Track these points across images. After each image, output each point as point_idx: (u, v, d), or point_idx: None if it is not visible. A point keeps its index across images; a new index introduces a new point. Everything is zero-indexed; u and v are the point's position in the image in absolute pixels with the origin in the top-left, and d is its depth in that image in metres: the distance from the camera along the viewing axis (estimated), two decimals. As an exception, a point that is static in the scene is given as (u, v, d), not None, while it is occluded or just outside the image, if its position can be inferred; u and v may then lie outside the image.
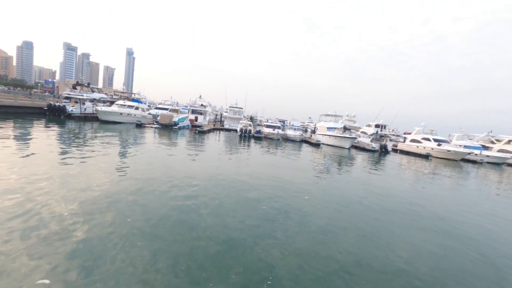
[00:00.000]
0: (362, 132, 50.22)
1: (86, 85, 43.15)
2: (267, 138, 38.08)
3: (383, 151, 37.28)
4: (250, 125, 40.29)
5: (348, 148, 36.07)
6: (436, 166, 28.07)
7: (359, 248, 6.76)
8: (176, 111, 43.01)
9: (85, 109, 36.10)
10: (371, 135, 43.35)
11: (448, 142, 40.20)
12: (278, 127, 41.00)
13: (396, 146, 45.06)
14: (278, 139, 38.22)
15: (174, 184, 10.25)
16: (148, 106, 51.75)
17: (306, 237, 7.04)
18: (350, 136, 36.57)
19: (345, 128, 39.74)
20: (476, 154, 38.77)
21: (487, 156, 39.83)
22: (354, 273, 5.57)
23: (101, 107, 34.09)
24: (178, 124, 36.74)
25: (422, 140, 40.54)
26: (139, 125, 33.59)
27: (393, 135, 70.72)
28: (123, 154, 15.08)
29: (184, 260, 5.38)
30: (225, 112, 60.68)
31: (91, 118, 34.46)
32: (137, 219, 6.88)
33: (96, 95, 41.09)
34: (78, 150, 14.60)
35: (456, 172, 25.62)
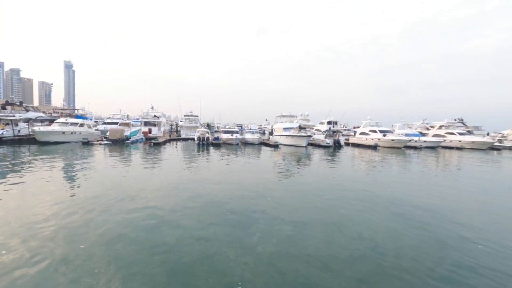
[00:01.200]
0: (316, 129, 52.61)
1: (18, 104, 38.63)
2: (226, 144, 37.88)
3: (337, 145, 39.50)
4: (207, 132, 39.73)
5: (305, 146, 37.49)
6: (384, 155, 30.58)
7: (325, 240, 7.02)
8: (127, 124, 40.67)
9: (19, 131, 32.23)
10: (325, 131, 45.66)
11: (392, 132, 44.09)
12: (236, 132, 41.07)
13: (348, 140, 48.11)
14: (237, 144, 38.26)
15: (131, 201, 9.63)
16: (95, 121, 48.08)
17: (274, 238, 7.11)
18: (306, 135, 38.08)
19: (300, 127, 41.28)
20: (415, 141, 43.07)
21: (425, 141, 44.57)
22: (327, 266, 5.76)
23: (39, 127, 30.77)
24: (130, 138, 34.74)
25: (369, 133, 43.88)
26: (86, 143, 31.02)
27: (344, 130, 75.37)
28: (69, 177, 13.77)
29: (148, 279, 5.06)
30: (181, 121, 59.06)
31: (28, 140, 30.86)
32: (92, 244, 6.31)
33: (31, 114, 36.96)
34: (15, 178, 12.96)
35: (401, 158, 28.20)
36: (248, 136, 41.22)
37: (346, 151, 33.96)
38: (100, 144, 30.98)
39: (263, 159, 24.05)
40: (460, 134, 47.46)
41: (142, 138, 39.40)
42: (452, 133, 47.81)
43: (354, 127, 70.74)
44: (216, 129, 70.81)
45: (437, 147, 44.85)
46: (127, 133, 35.31)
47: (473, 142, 45.32)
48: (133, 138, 35.46)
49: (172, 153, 26.42)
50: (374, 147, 40.29)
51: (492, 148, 45.47)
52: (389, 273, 5.53)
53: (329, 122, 56.07)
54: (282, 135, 40.68)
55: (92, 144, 30.64)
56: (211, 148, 32.68)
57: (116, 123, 42.69)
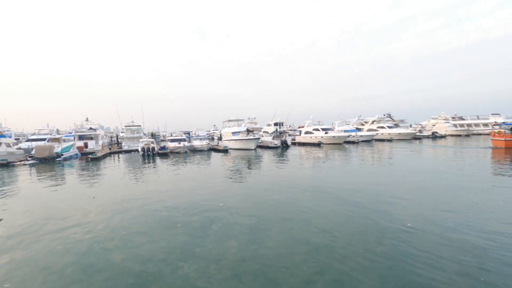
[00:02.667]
0: (264, 132, 53.91)
1: None
2: (174, 152, 36.42)
3: (284, 146, 41.03)
4: (152, 142, 37.69)
5: (254, 149, 38.09)
6: (327, 151, 32.75)
7: (282, 238, 7.18)
8: (57, 140, 36.25)
9: None
10: (272, 133, 47.03)
11: (332, 130, 47.48)
12: (184, 140, 39.79)
13: (294, 139, 50.36)
14: (186, 152, 37.09)
15: (66, 225, 8.59)
16: (16, 139, 41.91)
17: (231, 243, 7.02)
18: (254, 137, 38.73)
19: (248, 131, 41.84)
20: (353, 136, 47.06)
21: (361, 136, 49.02)
22: (285, 263, 5.87)
23: None
24: (62, 155, 31.08)
25: (313, 131, 46.58)
26: (6, 165, 26.81)
27: (291, 130, 78.76)
28: (-16, 206, 11.71)
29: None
30: (122, 132, 54.94)
31: None
32: (18, 283, 5.43)
33: None
34: None
35: (342, 152, 30.54)
36: (196, 143, 40.27)
37: (293, 151, 35.45)
38: (24, 165, 27.06)
39: (214, 165, 23.72)
40: (389, 127, 53.39)
41: (77, 154, 35.57)
42: (382, 127, 53.51)
43: (299, 127, 74.28)
44: (162, 138, 67.67)
45: (371, 140, 49.70)
46: (58, 149, 31.49)
47: (399, 133, 51.37)
48: (66, 155, 31.80)
49: (114, 167, 24.40)
50: (318, 145, 42.86)
51: (415, 138, 52.09)
52: (341, 260, 5.89)
53: (275, 124, 57.94)
54: (231, 140, 40.72)
55: (13, 165, 26.59)
56: (157, 158, 31.06)
57: (44, 139, 37.74)
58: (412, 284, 4.93)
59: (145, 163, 26.98)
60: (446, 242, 6.55)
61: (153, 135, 55.94)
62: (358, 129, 53.93)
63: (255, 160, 26.46)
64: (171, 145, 37.37)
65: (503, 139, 27.71)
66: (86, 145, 40.30)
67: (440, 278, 5.05)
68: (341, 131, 47.73)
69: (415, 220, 8.10)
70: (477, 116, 65.81)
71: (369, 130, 54.28)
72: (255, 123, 49.33)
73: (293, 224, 8.19)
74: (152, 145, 36.39)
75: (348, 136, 44.25)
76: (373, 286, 4.92)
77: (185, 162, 26.06)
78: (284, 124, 62.46)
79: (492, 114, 63.61)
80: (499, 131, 29.20)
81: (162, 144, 42.18)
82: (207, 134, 71.75)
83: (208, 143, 40.47)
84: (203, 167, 22.54)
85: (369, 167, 19.39)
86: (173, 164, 24.79)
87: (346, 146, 40.14)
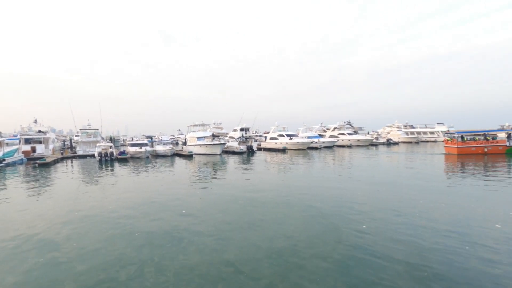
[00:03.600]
0: (230, 137, 53.69)
1: None
2: (134, 158, 34.71)
3: (250, 151, 41.25)
4: (111, 146, 35.59)
5: (220, 154, 37.74)
6: (292, 156, 33.56)
7: (245, 243, 7.13)
8: (-2, 144, 32.58)
9: None
10: (238, 138, 47.05)
11: (297, 136, 48.86)
12: (146, 144, 38.12)
13: (260, 145, 50.85)
14: (147, 157, 35.56)
15: (8, 239, 7.70)
16: None
17: (190, 251, 6.81)
18: (220, 143, 38.41)
19: (214, 136, 41.42)
20: (316, 142, 48.85)
21: (323, 142, 51.06)
22: (246, 268, 5.82)
23: None
24: (4, 160, 28.00)
25: (278, 137, 47.51)
26: None
27: (257, 136, 79.45)
28: None
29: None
30: (76, 136, 51.09)
31: None
32: None
33: None
34: None
35: (306, 158, 31.50)
36: (159, 148, 38.83)
37: (259, 156, 35.76)
38: (-44, 171, 23.86)
39: (177, 171, 23.02)
40: (349, 134, 56.36)
41: (22, 159, 32.31)
42: (343, 134, 56.31)
43: (264, 133, 75.25)
44: (122, 142, 64.19)
45: (333, 146, 52.03)
46: (-1, 154, 28.32)
47: (358, 140, 54.47)
48: (9, 160, 28.73)
49: (67, 174, 22.54)
50: (283, 150, 43.77)
51: (372, 144, 55.58)
52: (301, 264, 6.01)
53: (241, 129, 58.08)
54: (196, 145, 39.93)
55: None
56: (116, 164, 29.34)
57: (-19, 143, 33.70)
58: (366, 282, 5.19)
59: (102, 169, 25.32)
60: (396, 242, 7.02)
61: (111, 139, 52.80)
62: (321, 136, 56.13)
63: (220, 166, 26.20)
64: (132, 149, 35.59)
65: (456, 146, 30.65)
66: (34, 150, 36.79)
67: (390, 274, 5.39)
68: (305, 137, 49.29)
69: (370, 222, 8.58)
70: (425, 125, 72.19)
71: (331, 136, 56.77)
72: (221, 128, 49.00)
73: (256, 229, 8.21)
74: (111, 149, 34.37)
75: (312, 142, 45.84)
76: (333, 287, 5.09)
77: (147, 168, 24.95)
78: (250, 130, 62.88)
79: (437, 123, 70.30)
80: (451, 139, 32.28)
81: (122, 149, 40.03)
82: (171, 138, 69.67)
83: (172, 148, 39.28)
84: (165, 173, 21.75)
85: (329, 173, 20.21)
86: (133, 170, 23.59)
87: (310, 151, 41.50)
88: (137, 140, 43.75)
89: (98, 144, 36.42)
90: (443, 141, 33.53)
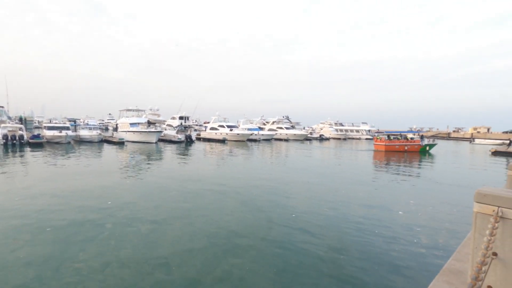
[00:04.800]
0: (168, 125, 51.08)
1: None
2: (52, 143, 30.36)
3: (189, 140, 39.92)
4: (21, 128, 30.40)
5: (156, 142, 35.66)
6: (231, 147, 33.67)
7: (177, 238, 6.85)
8: None
9: None
10: (176, 127, 45.06)
11: (237, 127, 49.10)
12: (67, 128, 33.60)
13: (200, 135, 49.69)
14: (69, 142, 31.48)
15: None
16: None
17: (116, 248, 6.25)
18: (156, 130, 36.24)
19: (150, 123, 38.87)
20: (256, 134, 49.94)
21: (262, 135, 52.49)
22: (180, 262, 5.57)
23: None
24: None
25: (219, 127, 47.04)
26: None
27: (196, 125, 77.38)
28: None
29: None
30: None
31: None
32: None
33: None
34: None
35: (245, 149, 31.97)
36: (84, 133, 34.66)
37: (197, 146, 34.92)
38: None
39: (106, 159, 20.94)
40: (287, 128, 59.09)
41: None
42: (281, 128, 58.77)
43: (204, 122, 73.81)
44: (36, 124, 55.36)
45: (271, 139, 53.93)
46: None
47: (295, 134, 57.54)
48: None
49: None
50: (223, 141, 43.60)
51: (306, 139, 59.38)
52: (236, 253, 6.06)
53: (181, 117, 55.80)
54: (128, 131, 36.90)
55: None
56: (27, 149, 25.22)
57: None
58: (292, 267, 5.52)
59: (7, 155, 21.46)
60: (320, 228, 7.65)
61: (22, 120, 45.09)
62: (261, 128, 57.57)
63: (156, 155, 24.77)
64: (49, 133, 31.01)
65: (384, 143, 34.79)
66: None
67: (313, 259, 5.85)
68: (245, 129, 49.91)
69: (299, 211, 9.15)
70: (352, 124, 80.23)
71: (270, 129, 58.68)
72: (158, 115, 46.16)
73: (191, 221, 7.99)
74: (21, 132, 29.38)
75: (251, 134, 46.66)
76: (261, 275, 5.27)
77: (67, 155, 22.07)
78: (190, 119, 60.85)
79: (362, 122, 78.90)
80: (380, 137, 36.48)
81: (37, 132, 34.58)
82: (99, 123, 62.98)
83: (100, 134, 35.43)
84: (90, 161, 19.57)
85: (267, 164, 20.92)
86: (49, 157, 20.62)
87: (249, 143, 42.25)
88: (56, 123, 38.19)
89: (3, 125, 30.66)
90: (373, 139, 37.75)
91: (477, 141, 63.09)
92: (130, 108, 43.07)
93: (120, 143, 33.42)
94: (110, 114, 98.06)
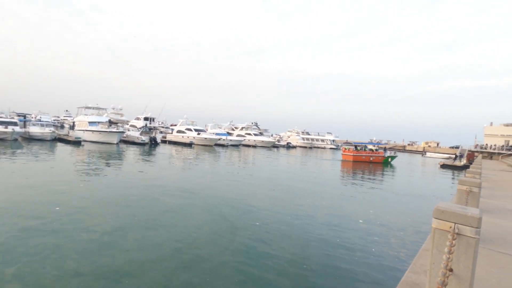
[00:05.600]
0: (131, 125, 48.65)
1: None
2: (-5, 139, 27.30)
3: (153, 143, 38.34)
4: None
5: (117, 143, 33.70)
6: (198, 152, 32.89)
7: (135, 247, 6.34)
8: None
9: None
10: (141, 128, 43.07)
11: (205, 131, 48.27)
12: (14, 124, 30.49)
13: (165, 137, 47.99)
14: (15, 140, 28.55)
15: None
16: None
17: (60, 260, 5.60)
18: (118, 131, 34.29)
19: (111, 122, 36.72)
20: (224, 139, 49.48)
21: (230, 140, 52.16)
22: (137, 272, 5.11)
23: None
24: None
25: (186, 131, 45.86)
26: None
27: (163, 127, 74.74)
28: None
29: None
30: None
31: None
32: None
33: None
34: None
35: (212, 154, 31.41)
36: (34, 130, 31.69)
37: (162, 149, 33.61)
38: None
39: (58, 159, 19.24)
40: (255, 135, 59.42)
41: None
42: (249, 134, 58.95)
43: (171, 125, 71.64)
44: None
45: (239, 145, 53.82)
46: None
47: (262, 141, 58.03)
48: None
49: None
50: (190, 145, 42.53)
51: (274, 146, 60.18)
52: (196, 262, 5.74)
53: (145, 118, 53.44)
54: (86, 130, 34.46)
55: None
56: (-37, 145, 22.35)
57: None
58: (254, 278, 5.36)
59: None
60: (284, 238, 7.61)
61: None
62: (229, 134, 57.21)
63: (115, 157, 23.33)
64: (-8, 128, 27.87)
65: (352, 154, 36.14)
66: None
67: (276, 269, 5.75)
68: (213, 133, 49.25)
69: (263, 219, 9.06)
70: (318, 133, 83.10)
71: (238, 135, 58.55)
72: (121, 115, 43.80)
73: (147, 230, 7.50)
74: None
75: (219, 139, 46.12)
76: (222, 285, 5.03)
77: (14, 154, 19.92)
78: (156, 120, 58.63)
79: (327, 132, 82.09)
80: (349, 148, 37.90)
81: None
82: (54, 120, 58.24)
83: (53, 131, 32.62)
84: (42, 161, 17.84)
85: (233, 170, 20.68)
86: (-9, 155, 18.43)
87: (217, 148, 41.68)
88: (2, 117, 34.47)
89: None
90: (340, 149, 39.26)
91: (428, 154, 68.78)
92: (90, 105, 40.35)
93: (76, 143, 31.06)
94: (67, 111, 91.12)
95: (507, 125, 55.89)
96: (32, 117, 55.79)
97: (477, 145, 49.58)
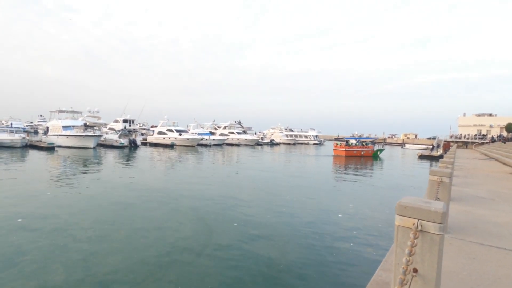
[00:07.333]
0: (110, 128, 47.05)
1: None
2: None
3: (133, 146, 37.22)
4: None
5: (94, 148, 32.44)
6: (180, 153, 32.21)
7: (110, 255, 5.94)
8: None
9: None
10: (119, 131, 41.69)
11: (187, 132, 47.41)
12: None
13: (146, 139, 46.77)
14: (-18, 148, 26.83)
15: None
16: None
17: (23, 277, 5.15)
18: (94, 134, 33.00)
19: (87, 126, 35.29)
20: (206, 139, 48.84)
21: (213, 139, 51.55)
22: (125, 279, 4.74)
23: None
24: None
25: (167, 132, 44.87)
26: None
27: (143, 129, 72.94)
28: None
29: None
30: None
31: None
32: None
33: None
34: None
35: (194, 155, 30.84)
36: (3, 137, 29.89)
37: (143, 151, 32.68)
38: None
39: (29, 167, 18.20)
40: (238, 133, 59.02)
41: None
42: (233, 133, 58.51)
43: (152, 126, 70.08)
44: None
45: (223, 144, 53.30)
46: None
47: (246, 139, 57.76)
48: None
49: None
50: (171, 146, 41.65)
51: (258, 144, 60.07)
52: (169, 267, 5.44)
53: (125, 121, 51.86)
54: (61, 135, 32.95)
55: None
56: None
57: None
58: (231, 281, 5.14)
59: None
60: (261, 238, 7.43)
61: None
62: (212, 133, 56.54)
63: (91, 162, 22.39)
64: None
65: (344, 149, 36.46)
66: None
67: (253, 270, 5.55)
68: (195, 133, 48.48)
69: (242, 220, 8.85)
70: (301, 129, 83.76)
71: (221, 134, 57.98)
72: (98, 118, 42.17)
73: (121, 235, 7.10)
74: None
75: (202, 139, 45.46)
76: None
77: (-23, 163, 18.64)
78: (136, 122, 57.06)
79: (310, 128, 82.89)
80: (340, 144, 38.22)
81: None
82: (27, 125, 55.54)
83: (24, 138, 30.92)
84: (10, 171, 16.77)
85: (217, 171, 20.33)
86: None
87: (199, 148, 41.05)
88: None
89: None
90: (333, 145, 39.80)
91: (407, 146, 70.94)
92: (64, 109, 38.58)
93: (50, 149, 29.59)
94: (41, 115, 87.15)
95: (479, 115, 58.46)
96: (3, 123, 52.84)
97: (452, 135, 51.63)
